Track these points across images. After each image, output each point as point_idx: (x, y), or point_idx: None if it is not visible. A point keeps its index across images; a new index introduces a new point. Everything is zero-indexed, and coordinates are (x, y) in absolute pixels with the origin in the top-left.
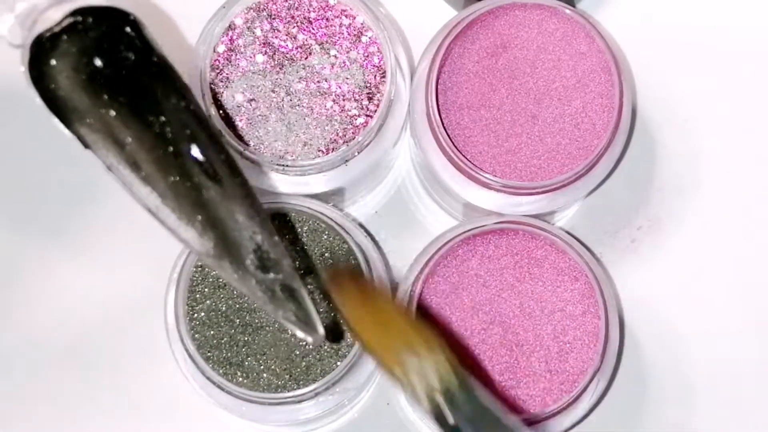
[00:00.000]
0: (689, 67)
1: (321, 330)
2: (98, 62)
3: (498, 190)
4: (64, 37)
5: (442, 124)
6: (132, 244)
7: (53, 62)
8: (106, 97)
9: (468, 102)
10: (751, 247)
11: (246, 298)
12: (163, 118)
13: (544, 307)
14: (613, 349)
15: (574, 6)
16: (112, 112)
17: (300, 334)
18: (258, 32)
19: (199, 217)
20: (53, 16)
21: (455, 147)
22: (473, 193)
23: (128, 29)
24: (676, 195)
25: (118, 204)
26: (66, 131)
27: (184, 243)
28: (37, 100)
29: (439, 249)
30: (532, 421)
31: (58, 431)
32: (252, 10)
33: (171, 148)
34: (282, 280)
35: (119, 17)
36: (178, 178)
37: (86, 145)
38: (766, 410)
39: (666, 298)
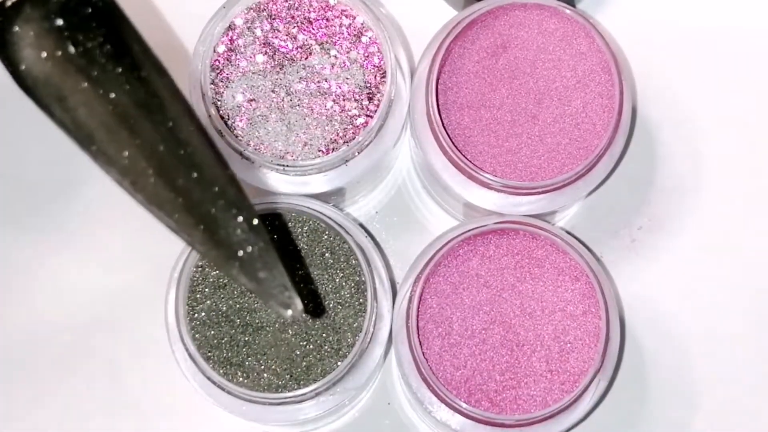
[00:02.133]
0: (689, 67)
1: (299, 304)
2: (65, 31)
3: (498, 190)
4: (28, 5)
5: (443, 124)
6: (132, 243)
7: (17, 31)
8: (76, 66)
9: (468, 102)
10: (751, 247)
11: (246, 298)
12: (140, 96)
13: (544, 307)
14: (613, 348)
15: (574, 6)
16: (84, 84)
17: (276, 307)
18: (258, 32)
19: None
20: None
21: (455, 147)
22: (473, 193)
23: None
24: (676, 195)
25: (118, 203)
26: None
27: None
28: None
29: (440, 249)
30: (533, 422)
31: (58, 431)
32: (252, 10)
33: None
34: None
35: None
36: (161, 147)
37: (61, 124)
38: (766, 410)
39: (666, 297)
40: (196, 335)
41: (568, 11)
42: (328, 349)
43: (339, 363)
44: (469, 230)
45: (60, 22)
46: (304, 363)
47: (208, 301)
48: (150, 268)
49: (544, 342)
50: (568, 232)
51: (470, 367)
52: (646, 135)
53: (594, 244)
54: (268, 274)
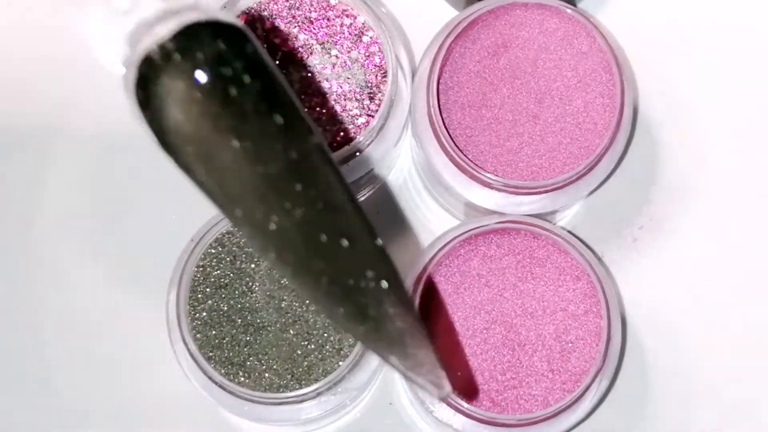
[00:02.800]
0: (691, 67)
1: (448, 386)
2: (216, 85)
3: (499, 190)
4: (177, 55)
5: (444, 123)
6: (134, 242)
7: (164, 84)
8: (227, 124)
9: (469, 101)
10: (752, 246)
11: (247, 298)
12: (292, 156)
13: (546, 307)
14: (615, 348)
15: (575, 5)
16: (235, 143)
17: (426, 386)
18: (259, 32)
19: (324, 279)
20: (161, 32)
21: (456, 146)
22: (475, 192)
23: (248, 49)
24: (677, 194)
25: (118, 203)
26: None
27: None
28: (144, 130)
29: (441, 249)
30: (534, 421)
31: (59, 430)
32: (253, 10)
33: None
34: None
35: (236, 35)
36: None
37: (203, 186)
38: (766, 411)
39: (668, 297)
40: (198, 335)
41: (569, 11)
42: (330, 349)
43: (340, 363)
44: (470, 230)
45: (210, 75)
46: (306, 363)
47: (210, 301)
48: (152, 268)
49: (546, 342)
50: (570, 232)
51: (472, 366)
52: (647, 134)
53: (595, 243)
54: (417, 352)
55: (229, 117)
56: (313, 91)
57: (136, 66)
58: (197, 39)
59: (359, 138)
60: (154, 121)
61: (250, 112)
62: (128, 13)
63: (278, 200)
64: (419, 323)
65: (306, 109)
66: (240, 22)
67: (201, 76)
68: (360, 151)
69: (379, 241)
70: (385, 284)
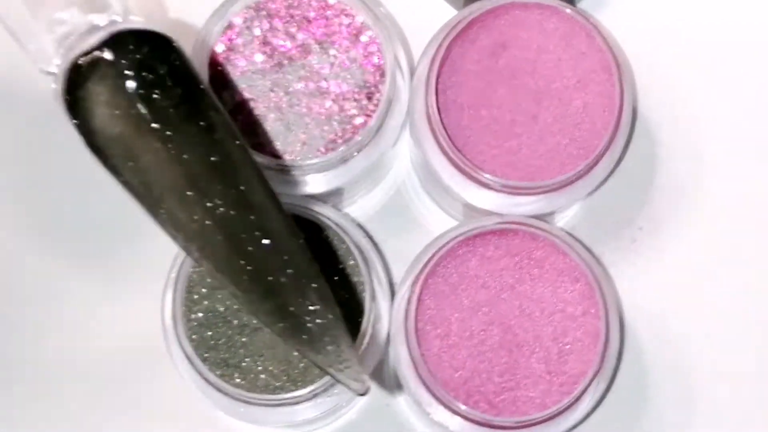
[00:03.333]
0: (690, 67)
1: (367, 380)
2: (140, 89)
3: (498, 190)
4: (104, 63)
5: (442, 123)
6: (128, 244)
7: (91, 88)
8: (150, 126)
9: (468, 102)
10: (752, 247)
11: None
12: (213, 158)
13: (544, 308)
14: (613, 350)
15: (574, 5)
16: (157, 145)
17: (345, 381)
18: (257, 31)
19: (248, 269)
20: (90, 41)
21: (455, 147)
22: (473, 193)
23: (173, 57)
24: (677, 195)
25: (113, 204)
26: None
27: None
28: (73, 132)
29: (439, 249)
30: (531, 423)
31: (56, 431)
32: (251, 9)
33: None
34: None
35: (162, 43)
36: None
37: (129, 186)
38: (766, 411)
39: (667, 298)
40: (193, 336)
41: (568, 11)
42: None
43: None
44: (469, 230)
45: (135, 80)
46: (302, 364)
47: (206, 302)
48: (147, 269)
49: (543, 343)
50: (568, 233)
51: (469, 368)
52: (646, 135)
53: (594, 244)
54: (335, 349)
55: (152, 120)
56: (311, 90)
57: (65, 72)
58: (124, 46)
59: (357, 138)
60: (81, 124)
61: (172, 116)
62: (64, 24)
63: (200, 200)
64: (339, 320)
65: (305, 110)
66: (167, 33)
67: (126, 81)
68: (358, 151)
69: (301, 240)
70: (303, 281)
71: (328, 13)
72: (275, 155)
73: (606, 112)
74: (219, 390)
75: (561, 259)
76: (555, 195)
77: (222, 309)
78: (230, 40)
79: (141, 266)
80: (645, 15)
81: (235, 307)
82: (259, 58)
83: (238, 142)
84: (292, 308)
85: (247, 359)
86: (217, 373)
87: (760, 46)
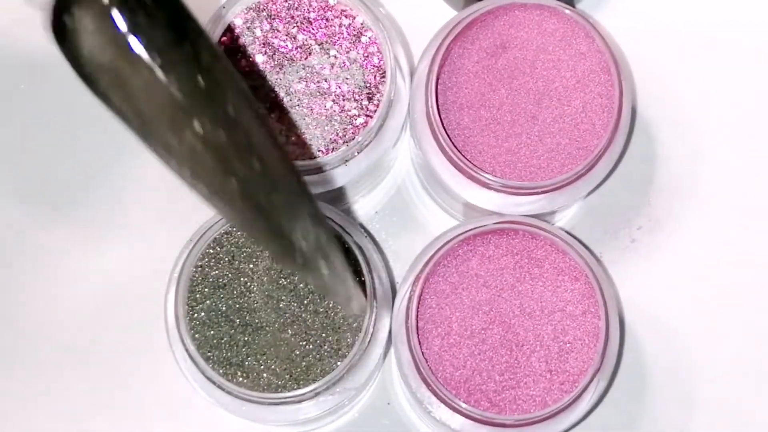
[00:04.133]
0: (689, 67)
1: (363, 298)
2: (126, 15)
3: (498, 190)
4: None
5: (442, 124)
6: (131, 242)
7: (78, 15)
8: (137, 52)
9: (468, 102)
10: (751, 247)
11: (245, 298)
12: (201, 82)
13: (544, 308)
14: (613, 349)
15: (573, 6)
16: (145, 70)
17: (340, 301)
18: (258, 32)
19: (233, 181)
20: None
21: (455, 147)
22: (473, 193)
23: None
24: (676, 195)
25: (114, 203)
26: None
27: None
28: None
29: (439, 249)
30: (532, 422)
31: (57, 430)
32: (252, 10)
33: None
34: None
35: None
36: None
37: (120, 113)
38: (766, 411)
39: (666, 297)
40: (196, 335)
41: (567, 11)
42: (328, 349)
43: (338, 363)
44: (469, 230)
45: (121, 6)
46: (304, 363)
47: (208, 301)
48: (150, 267)
49: (544, 342)
50: (568, 232)
51: (470, 367)
52: (645, 135)
53: (593, 244)
54: (330, 271)
55: (139, 45)
56: (311, 91)
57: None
58: None
59: (358, 138)
60: (70, 52)
61: (158, 40)
62: None
63: (189, 124)
64: (333, 242)
65: (304, 109)
66: None
67: (111, 7)
68: (359, 151)
69: (290, 162)
70: (296, 203)
71: (329, 14)
72: None
73: (605, 112)
74: (221, 389)
75: (561, 259)
76: (555, 195)
77: (224, 308)
78: (231, 40)
79: (144, 265)
80: (644, 16)
81: (237, 306)
82: (259, 58)
83: (223, 64)
84: (285, 230)
85: (249, 358)
86: (220, 371)
87: (759, 46)
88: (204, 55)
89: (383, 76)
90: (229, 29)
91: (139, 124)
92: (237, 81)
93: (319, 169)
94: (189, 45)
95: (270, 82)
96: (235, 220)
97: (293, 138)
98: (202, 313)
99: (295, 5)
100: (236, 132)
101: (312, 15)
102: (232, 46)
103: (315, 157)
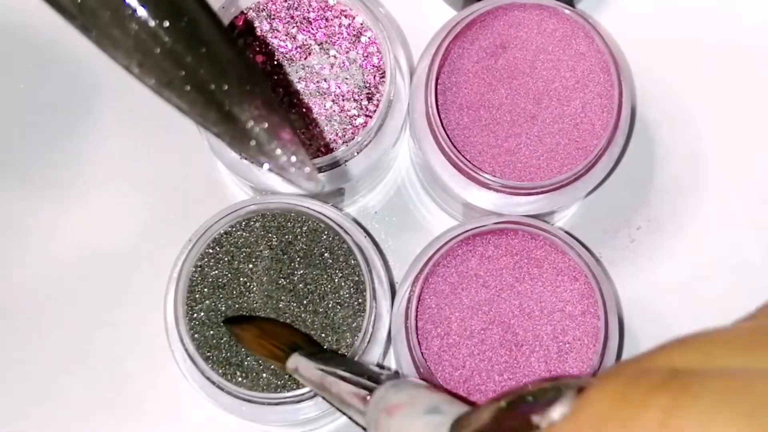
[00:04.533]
0: (689, 67)
1: (320, 177)
2: None
3: (497, 190)
4: None
5: (442, 124)
6: (132, 243)
7: None
8: None
9: (467, 102)
10: (750, 247)
11: (245, 298)
12: None
13: (543, 308)
14: (612, 349)
15: (573, 6)
16: None
17: (297, 181)
18: (257, 32)
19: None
20: None
21: (454, 147)
22: (472, 193)
23: None
24: (675, 195)
25: (114, 202)
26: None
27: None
28: None
29: (439, 249)
30: None
31: (57, 431)
32: (251, 11)
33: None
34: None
35: None
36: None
37: (63, 9)
38: None
39: (665, 298)
40: (195, 335)
41: (567, 11)
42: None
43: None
44: (468, 230)
45: None
46: None
47: (207, 301)
48: (149, 267)
49: (543, 342)
50: (567, 233)
51: (469, 367)
52: (645, 135)
53: (593, 244)
54: (284, 151)
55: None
56: (311, 91)
57: None
58: None
59: (357, 138)
60: None
61: None
62: None
63: (133, 14)
64: (286, 122)
65: (304, 110)
66: None
67: None
68: (358, 151)
69: (239, 47)
70: (246, 87)
71: (328, 14)
72: None
73: (605, 112)
74: (221, 389)
75: (560, 259)
76: (554, 195)
77: (223, 308)
78: None
79: (143, 265)
80: (644, 16)
81: (237, 306)
82: (259, 59)
83: None
84: (236, 114)
85: (249, 358)
86: (219, 371)
87: (758, 46)
88: None
89: (383, 76)
90: (229, 29)
91: (82, 17)
92: None
93: (318, 170)
94: None
95: (270, 82)
96: (185, 110)
97: None
98: (202, 313)
99: (295, 5)
100: (181, 21)
101: (311, 15)
102: None
103: (314, 158)
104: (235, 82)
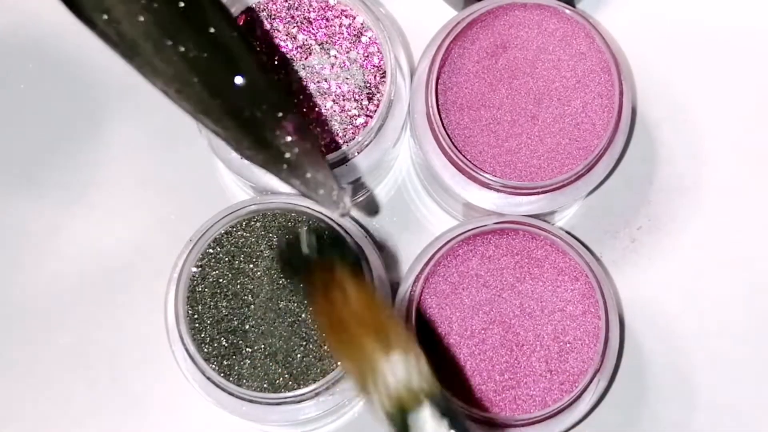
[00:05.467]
0: (689, 67)
1: (348, 202)
2: None
3: (498, 190)
4: None
5: (442, 124)
6: (132, 243)
7: None
8: None
9: (468, 102)
10: (750, 247)
11: (245, 299)
12: (181, 4)
13: (544, 307)
14: (613, 348)
15: (574, 6)
16: None
17: (326, 205)
18: (258, 32)
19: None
20: None
21: (455, 147)
22: (473, 193)
23: None
24: (675, 195)
25: (114, 202)
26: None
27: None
28: None
29: (440, 249)
30: (532, 422)
31: (58, 431)
32: (252, 11)
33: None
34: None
35: None
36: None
37: (105, 36)
38: (766, 410)
39: (666, 297)
40: (196, 335)
41: (567, 11)
42: (328, 350)
43: (338, 363)
44: (469, 230)
45: None
46: (304, 363)
47: (208, 301)
48: (149, 267)
49: (544, 342)
50: (568, 232)
51: (470, 367)
52: (645, 135)
53: (593, 244)
54: (315, 174)
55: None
56: (311, 91)
57: None
58: None
59: (358, 138)
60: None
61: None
62: None
63: (172, 45)
64: (316, 148)
65: (304, 110)
66: None
67: None
68: (359, 151)
69: (273, 75)
70: (279, 115)
71: (329, 14)
72: None
73: (605, 112)
74: (222, 389)
75: (561, 259)
76: (555, 195)
77: (224, 308)
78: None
79: (144, 266)
80: (644, 15)
81: (237, 306)
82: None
83: None
84: (270, 140)
85: (250, 358)
86: (220, 371)
87: (758, 46)
88: None
89: (383, 76)
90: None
91: (124, 47)
92: (217, 1)
93: None
94: None
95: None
96: (220, 134)
97: None
98: (202, 313)
99: (295, 5)
100: (219, 53)
101: (312, 15)
102: None
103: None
104: (269, 110)
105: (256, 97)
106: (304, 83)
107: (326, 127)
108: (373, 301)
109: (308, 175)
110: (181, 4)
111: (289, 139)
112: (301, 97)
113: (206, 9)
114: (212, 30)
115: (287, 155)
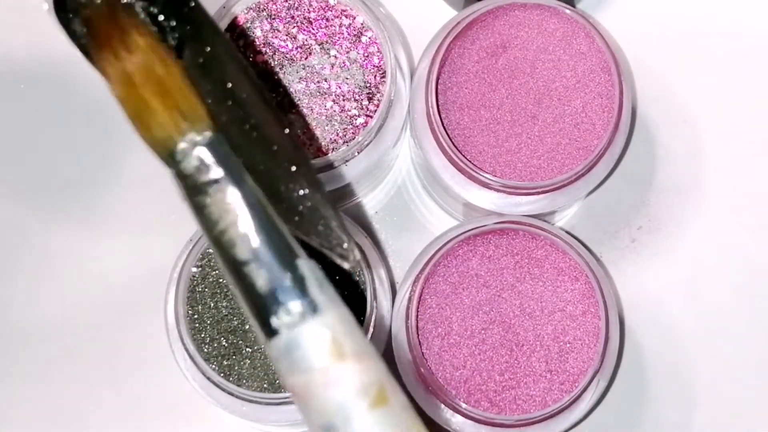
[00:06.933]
0: (689, 67)
1: (357, 255)
2: None
3: (498, 190)
4: None
5: (442, 124)
6: (131, 242)
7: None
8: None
9: (468, 102)
10: (751, 247)
11: None
12: (200, 59)
13: (544, 307)
14: (613, 349)
15: (574, 6)
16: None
17: (335, 258)
18: (258, 32)
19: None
20: None
21: (455, 147)
22: (473, 193)
23: None
24: (676, 195)
25: (114, 202)
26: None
27: None
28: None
29: (440, 249)
30: (532, 422)
31: (58, 431)
32: (252, 10)
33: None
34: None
35: None
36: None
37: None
38: (766, 410)
39: (666, 297)
40: (196, 335)
41: (568, 11)
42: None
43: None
44: (469, 230)
45: None
46: None
47: (208, 301)
48: (149, 267)
49: (544, 342)
50: (568, 232)
51: (470, 367)
52: (645, 135)
53: (593, 244)
54: (325, 228)
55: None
56: (311, 91)
57: None
58: None
59: (358, 138)
60: (72, 36)
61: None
62: None
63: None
64: (327, 202)
65: (304, 110)
66: None
67: None
68: (359, 151)
69: (286, 129)
70: (293, 169)
71: (329, 14)
72: None
73: (605, 112)
74: (222, 389)
75: (561, 259)
76: (555, 195)
77: (224, 308)
78: (231, 40)
79: (144, 266)
80: (644, 16)
81: (237, 305)
82: (259, 58)
83: (220, 38)
84: (282, 194)
85: (250, 358)
86: (220, 371)
87: (759, 46)
88: (206, 31)
89: (383, 76)
90: (230, 29)
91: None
92: (235, 53)
93: (319, 170)
94: (189, 24)
95: (270, 83)
96: None
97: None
98: (202, 313)
99: (295, 5)
100: (236, 105)
101: (312, 15)
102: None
103: (315, 158)
104: (283, 164)
105: (270, 152)
106: (304, 83)
107: (326, 127)
108: (164, 57)
109: (320, 227)
110: (200, 60)
111: (301, 193)
112: (299, 98)
113: (223, 61)
114: (230, 84)
115: (300, 209)
